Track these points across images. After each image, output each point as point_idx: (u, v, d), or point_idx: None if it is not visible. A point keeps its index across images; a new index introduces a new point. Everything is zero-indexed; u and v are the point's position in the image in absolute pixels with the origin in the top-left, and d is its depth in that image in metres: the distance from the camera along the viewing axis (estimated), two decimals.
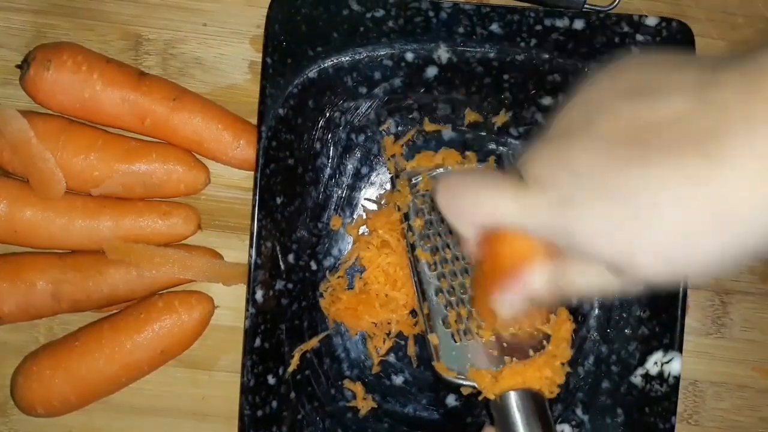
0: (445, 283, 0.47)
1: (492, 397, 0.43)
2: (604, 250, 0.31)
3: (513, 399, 0.42)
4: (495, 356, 0.44)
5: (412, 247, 0.48)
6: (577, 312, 0.51)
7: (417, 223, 0.49)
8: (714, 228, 0.28)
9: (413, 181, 0.50)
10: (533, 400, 0.42)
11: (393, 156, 0.54)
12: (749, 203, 0.27)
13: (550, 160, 0.32)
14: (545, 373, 0.43)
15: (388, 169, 0.54)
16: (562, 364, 0.44)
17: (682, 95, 0.29)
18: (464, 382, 0.44)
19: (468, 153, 0.53)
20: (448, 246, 0.48)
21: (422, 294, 0.47)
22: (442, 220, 0.47)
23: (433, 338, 0.46)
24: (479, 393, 0.43)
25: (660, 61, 0.32)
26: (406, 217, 0.49)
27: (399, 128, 0.54)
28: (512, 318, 0.43)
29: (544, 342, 0.44)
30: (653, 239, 0.29)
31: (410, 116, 0.54)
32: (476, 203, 0.36)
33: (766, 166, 0.27)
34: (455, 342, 0.45)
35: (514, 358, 0.43)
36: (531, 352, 0.44)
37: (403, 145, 0.53)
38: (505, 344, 0.44)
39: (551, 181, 0.32)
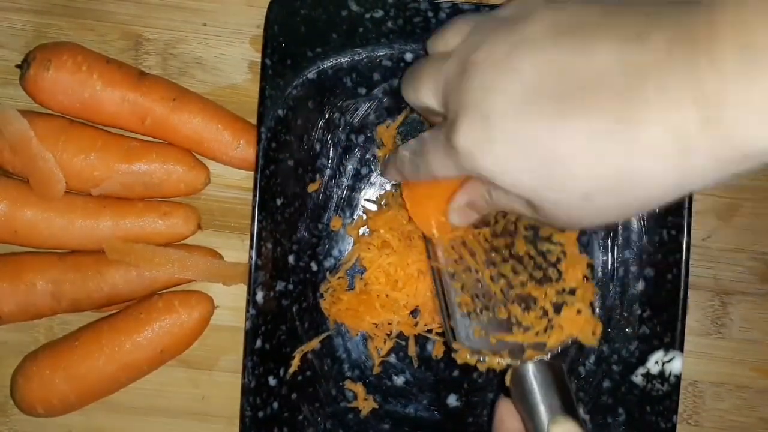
0: (460, 266, 0.47)
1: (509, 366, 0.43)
2: (514, 189, 0.34)
3: (530, 369, 0.41)
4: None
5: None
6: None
7: None
8: (615, 189, 0.30)
9: None
10: (551, 370, 0.41)
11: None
12: (652, 171, 0.28)
13: (468, 94, 0.34)
14: (583, 316, 0.43)
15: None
16: (592, 311, 0.45)
17: (608, 49, 0.29)
18: (483, 358, 0.44)
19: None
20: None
21: (438, 276, 0.47)
22: None
23: (448, 318, 0.45)
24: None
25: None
26: None
27: (399, 129, 0.54)
28: (460, 225, 0.46)
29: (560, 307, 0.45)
30: (554, 196, 0.32)
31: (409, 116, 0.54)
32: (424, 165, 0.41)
33: (675, 139, 0.27)
34: (472, 321, 0.45)
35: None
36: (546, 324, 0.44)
37: (397, 128, 0.53)
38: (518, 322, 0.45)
39: (466, 124, 0.34)
